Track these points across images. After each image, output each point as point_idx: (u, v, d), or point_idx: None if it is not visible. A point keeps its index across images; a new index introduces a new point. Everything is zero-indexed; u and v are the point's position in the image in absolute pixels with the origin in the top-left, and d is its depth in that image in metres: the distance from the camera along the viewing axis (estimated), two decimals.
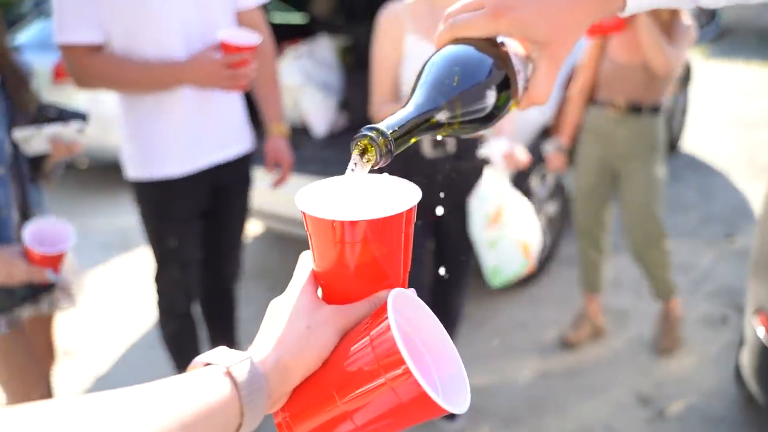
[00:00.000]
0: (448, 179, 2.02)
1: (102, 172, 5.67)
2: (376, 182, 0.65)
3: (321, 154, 3.32)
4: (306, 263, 0.65)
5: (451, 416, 2.49)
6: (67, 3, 1.80)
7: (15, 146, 1.73)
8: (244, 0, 2.06)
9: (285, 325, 0.59)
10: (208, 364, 0.55)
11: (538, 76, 0.68)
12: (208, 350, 0.59)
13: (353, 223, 0.57)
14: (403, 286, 0.63)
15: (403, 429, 0.56)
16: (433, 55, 0.66)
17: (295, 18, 4.91)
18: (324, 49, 3.95)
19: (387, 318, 0.53)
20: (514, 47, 0.70)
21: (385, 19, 1.99)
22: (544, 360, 2.91)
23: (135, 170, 2.02)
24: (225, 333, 2.37)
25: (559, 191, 3.67)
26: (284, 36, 3.95)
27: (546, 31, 0.65)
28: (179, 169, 1.99)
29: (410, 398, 0.52)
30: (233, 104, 2.09)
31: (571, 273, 3.72)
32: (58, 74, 4.76)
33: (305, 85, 3.67)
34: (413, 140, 0.61)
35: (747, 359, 2.20)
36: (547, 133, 3.37)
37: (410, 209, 0.60)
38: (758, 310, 2.13)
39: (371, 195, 0.64)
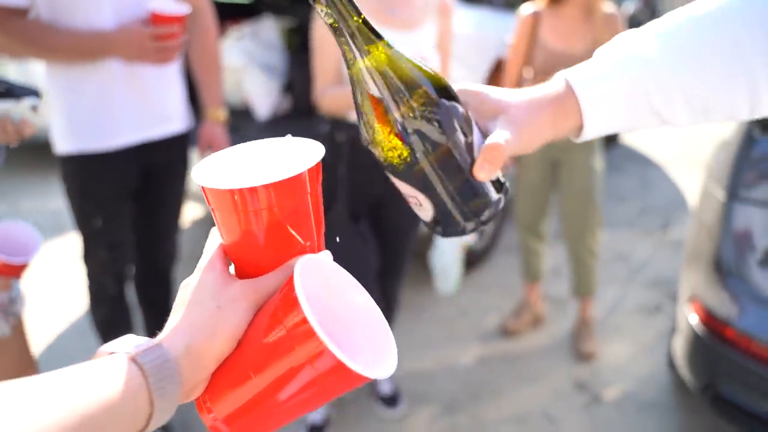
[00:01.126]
0: None
1: (32, 151, 5.42)
2: (277, 146, 0.62)
3: (263, 137, 3.24)
4: (214, 240, 0.61)
5: (392, 403, 2.48)
6: None
7: None
8: None
9: (194, 307, 0.55)
10: (113, 352, 0.51)
11: (506, 137, 0.66)
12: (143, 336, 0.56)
13: (252, 190, 0.54)
14: (319, 250, 0.61)
15: (329, 398, 0.54)
16: None
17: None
18: (268, 30, 3.86)
19: (294, 289, 0.50)
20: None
21: None
22: (485, 346, 2.93)
23: (61, 144, 1.92)
24: (160, 318, 2.29)
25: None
26: (228, 15, 3.83)
27: (519, 115, 0.68)
28: (105, 143, 1.90)
29: (328, 369, 0.50)
30: (168, 81, 2.00)
31: (512, 261, 3.75)
32: None
33: (248, 67, 3.57)
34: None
35: (679, 346, 2.25)
36: None
37: (313, 168, 0.57)
38: (691, 298, 2.18)
39: (273, 159, 0.61)
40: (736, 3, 0.67)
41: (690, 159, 5.46)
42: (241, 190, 0.54)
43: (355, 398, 2.55)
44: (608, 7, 2.58)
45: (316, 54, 1.96)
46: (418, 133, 0.61)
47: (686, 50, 0.68)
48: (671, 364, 2.67)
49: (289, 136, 0.63)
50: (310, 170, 0.56)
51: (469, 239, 2.28)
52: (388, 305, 2.35)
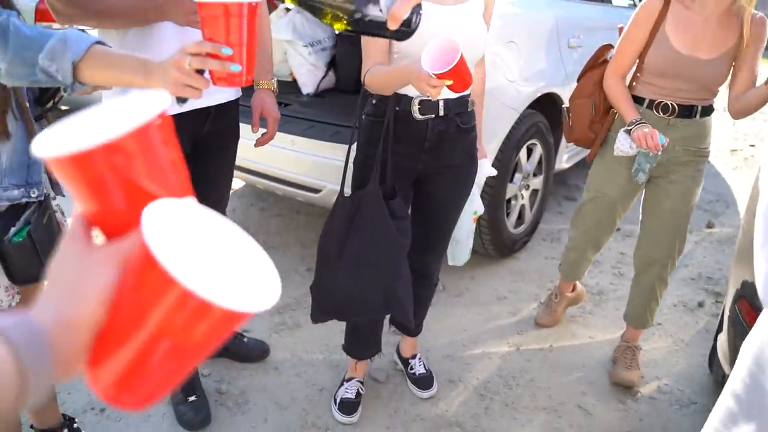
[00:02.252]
0: (434, 143, 1.98)
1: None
2: (125, 105, 0.60)
3: (308, 111, 3.23)
4: (76, 209, 0.59)
5: (425, 384, 2.47)
6: None
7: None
8: None
9: (60, 277, 0.55)
10: None
11: (398, 2, 0.90)
12: None
13: (88, 154, 0.51)
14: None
15: (214, 344, 0.52)
16: None
17: None
18: None
19: (145, 243, 0.48)
20: None
21: None
22: (521, 334, 2.90)
23: None
24: None
25: (543, 167, 3.64)
26: None
27: None
28: None
29: (198, 311, 0.48)
30: None
31: (551, 248, 3.71)
32: (40, 15, 4.59)
33: (294, 41, 3.56)
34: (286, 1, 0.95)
35: (725, 344, 2.20)
36: (540, 102, 3.32)
37: (159, 119, 0.55)
38: (740, 295, 2.12)
39: (119, 118, 0.58)
40: None
41: (737, 156, 5.32)
42: (84, 154, 0.52)
43: (388, 377, 2.55)
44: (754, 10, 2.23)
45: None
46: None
47: None
48: (711, 363, 2.62)
49: (134, 91, 0.61)
50: (152, 122, 0.54)
51: (480, 209, 2.27)
52: (426, 282, 2.33)
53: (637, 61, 2.36)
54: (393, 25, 0.92)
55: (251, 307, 0.49)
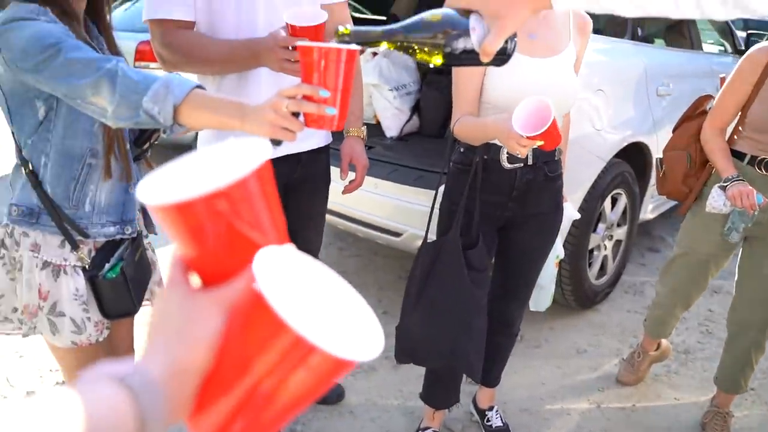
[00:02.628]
0: (521, 191, 1.98)
1: (174, 151, 5.74)
2: (223, 151, 0.60)
3: (391, 156, 3.27)
4: (174, 255, 0.60)
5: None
6: None
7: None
8: None
9: (166, 325, 0.55)
10: (97, 376, 0.50)
11: (490, 37, 0.96)
12: None
13: (195, 202, 0.52)
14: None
15: (319, 391, 0.52)
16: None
17: (375, 17, 4.88)
18: None
19: (256, 283, 0.49)
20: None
21: None
22: (601, 391, 2.80)
23: None
24: None
25: (627, 217, 3.55)
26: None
27: (498, 8, 0.95)
28: None
29: (307, 357, 0.48)
30: None
31: (634, 301, 3.59)
32: (140, 55, 4.84)
33: (380, 85, 3.63)
34: (381, 45, 1.02)
35: None
36: (626, 150, 3.25)
37: (263, 167, 0.55)
38: None
39: (219, 165, 0.58)
40: None
41: None
42: (181, 204, 0.52)
43: (464, 429, 2.51)
44: None
45: (454, 80, 1.94)
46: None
47: None
48: None
49: (231, 139, 0.61)
50: (258, 170, 0.55)
51: (561, 253, 2.23)
52: (507, 331, 2.29)
53: (739, 114, 2.28)
54: (486, 59, 0.98)
55: (360, 355, 0.49)
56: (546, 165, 1.98)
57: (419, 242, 2.14)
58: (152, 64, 4.71)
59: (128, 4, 5.78)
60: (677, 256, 2.53)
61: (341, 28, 1.05)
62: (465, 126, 1.89)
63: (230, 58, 1.82)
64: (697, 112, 2.46)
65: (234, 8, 1.82)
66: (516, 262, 2.15)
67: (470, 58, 0.99)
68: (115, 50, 1.61)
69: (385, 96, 3.63)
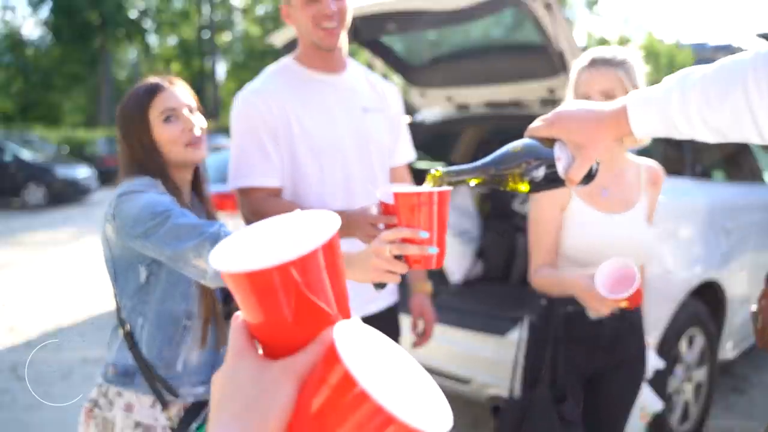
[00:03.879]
0: (608, 340, 1.94)
1: None
2: (290, 222, 0.63)
3: (456, 301, 3.30)
4: (238, 325, 0.60)
5: None
6: (252, 150, 1.86)
7: None
8: (397, 157, 2.15)
9: (237, 397, 0.54)
10: None
11: (574, 166, 1.04)
12: None
13: (268, 271, 0.53)
14: (345, 317, 0.60)
15: None
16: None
17: (434, 166, 5.08)
18: (463, 196, 4.03)
19: (338, 357, 0.49)
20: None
21: None
22: None
23: None
24: None
25: (708, 357, 3.41)
26: (423, 182, 4.08)
27: (581, 138, 1.03)
28: None
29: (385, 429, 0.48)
30: None
31: None
32: (215, 206, 5.12)
33: None
34: (471, 181, 1.11)
35: None
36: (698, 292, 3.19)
37: (332, 238, 0.57)
38: None
39: (288, 236, 0.61)
40: (748, 58, 0.94)
41: None
42: (262, 271, 0.53)
43: None
44: None
45: (531, 230, 1.96)
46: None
47: (710, 93, 0.95)
48: None
49: (298, 210, 0.64)
50: (329, 241, 0.56)
51: (658, 406, 2.13)
52: None
53: None
54: (571, 185, 1.07)
55: (434, 427, 0.50)
56: (631, 313, 1.95)
57: (488, 390, 2.11)
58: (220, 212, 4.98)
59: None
60: None
61: (433, 171, 1.14)
62: (543, 278, 1.89)
63: None
64: None
65: (316, 178, 1.89)
66: (604, 413, 2.06)
67: (556, 184, 1.07)
68: (213, 217, 1.74)
69: (449, 242, 3.71)
